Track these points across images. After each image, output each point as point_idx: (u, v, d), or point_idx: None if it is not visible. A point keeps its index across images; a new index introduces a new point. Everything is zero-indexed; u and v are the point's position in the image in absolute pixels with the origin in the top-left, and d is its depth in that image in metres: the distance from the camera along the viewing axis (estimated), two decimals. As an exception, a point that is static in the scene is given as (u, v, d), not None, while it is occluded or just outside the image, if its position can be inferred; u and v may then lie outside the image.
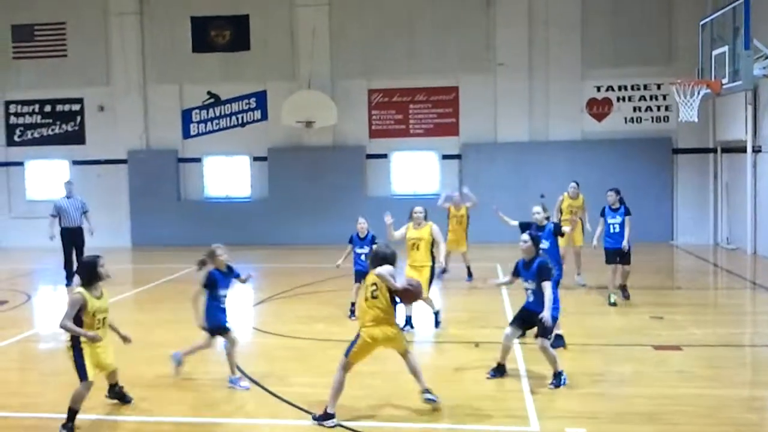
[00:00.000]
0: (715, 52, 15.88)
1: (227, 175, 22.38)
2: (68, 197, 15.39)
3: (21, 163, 22.78)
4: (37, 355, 9.86)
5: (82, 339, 6.71)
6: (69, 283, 14.84)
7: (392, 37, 21.17)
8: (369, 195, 21.41)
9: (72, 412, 6.70)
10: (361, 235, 11.22)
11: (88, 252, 14.59)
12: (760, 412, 7.31)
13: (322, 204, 21.02)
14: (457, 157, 21.26)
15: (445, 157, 21.36)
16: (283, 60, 21.63)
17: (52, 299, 14.70)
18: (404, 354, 7.20)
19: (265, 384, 7.98)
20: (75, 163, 22.45)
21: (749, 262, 16.91)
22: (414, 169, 21.64)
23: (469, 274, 14.44)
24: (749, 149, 17.59)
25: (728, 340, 9.77)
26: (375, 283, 6.98)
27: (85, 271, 6.97)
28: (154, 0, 21.99)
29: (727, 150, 19.58)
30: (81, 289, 6.81)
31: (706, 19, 16.60)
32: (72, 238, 15.20)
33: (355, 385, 7.82)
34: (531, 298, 7.94)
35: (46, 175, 22.67)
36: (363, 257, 10.99)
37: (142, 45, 22.09)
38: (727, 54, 15.25)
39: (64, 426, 6.68)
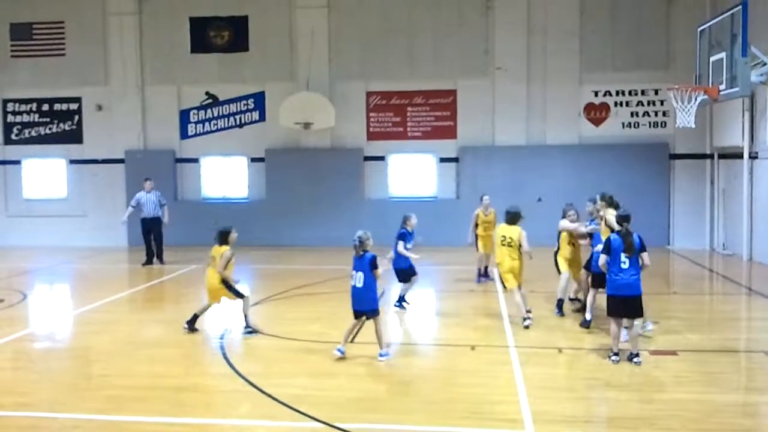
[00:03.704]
0: (712, 59, 15.90)
1: (225, 175, 22.35)
2: (148, 192, 17.95)
3: (18, 162, 22.75)
4: (32, 355, 9.84)
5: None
6: (149, 263, 17.87)
7: (391, 40, 21.20)
8: (367, 197, 21.42)
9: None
10: None
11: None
12: (755, 417, 7.33)
13: (320, 206, 21.03)
14: (455, 160, 21.27)
15: (442, 160, 21.37)
16: (282, 61, 21.64)
17: (48, 298, 14.67)
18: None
19: (260, 385, 7.97)
20: (72, 162, 22.44)
21: (745, 268, 16.93)
22: (411, 171, 21.66)
23: (486, 275, 14.66)
24: (746, 155, 17.65)
25: (724, 346, 9.78)
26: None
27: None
28: (153, 0, 22.01)
29: (723, 156, 19.62)
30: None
31: (704, 26, 16.63)
32: (149, 227, 18.04)
33: (348, 386, 7.84)
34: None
35: (44, 174, 22.67)
36: None
37: (141, 45, 22.08)
38: (724, 60, 15.28)
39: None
